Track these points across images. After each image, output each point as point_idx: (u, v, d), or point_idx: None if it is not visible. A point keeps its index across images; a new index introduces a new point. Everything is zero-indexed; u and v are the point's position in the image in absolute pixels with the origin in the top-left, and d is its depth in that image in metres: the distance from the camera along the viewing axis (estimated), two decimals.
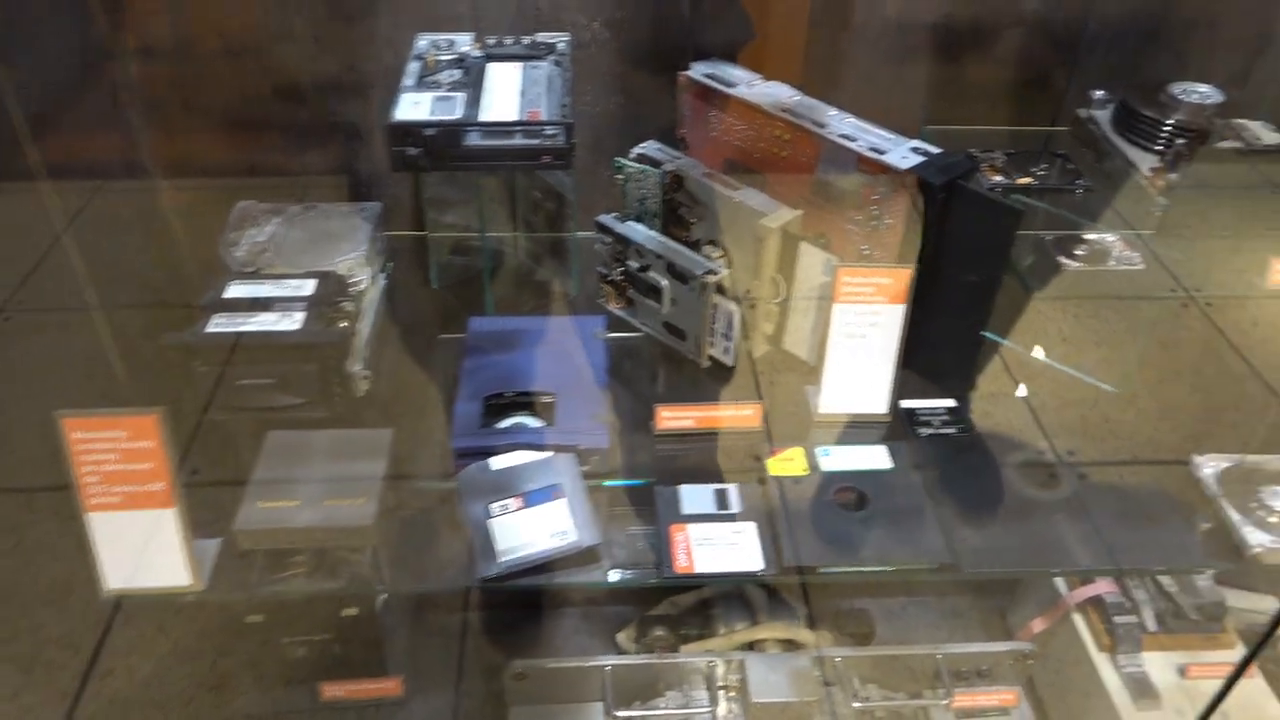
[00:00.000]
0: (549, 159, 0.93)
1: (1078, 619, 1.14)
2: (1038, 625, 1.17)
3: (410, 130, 0.91)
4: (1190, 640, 1.09)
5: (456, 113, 0.94)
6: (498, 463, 0.89)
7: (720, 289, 1.00)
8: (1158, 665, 1.08)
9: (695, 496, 0.91)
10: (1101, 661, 1.09)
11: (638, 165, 1.07)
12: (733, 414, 0.97)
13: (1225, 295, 1.08)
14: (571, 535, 0.83)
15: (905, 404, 1.02)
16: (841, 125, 0.99)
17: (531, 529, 0.84)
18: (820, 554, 0.86)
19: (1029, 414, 1.04)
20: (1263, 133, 0.92)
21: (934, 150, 0.95)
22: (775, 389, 1.03)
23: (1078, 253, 1.02)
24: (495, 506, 0.85)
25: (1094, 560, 0.89)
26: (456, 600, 1.21)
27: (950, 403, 1.02)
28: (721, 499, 0.91)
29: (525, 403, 0.98)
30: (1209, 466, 0.93)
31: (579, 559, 0.83)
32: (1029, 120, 1.19)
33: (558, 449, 0.91)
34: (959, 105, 1.17)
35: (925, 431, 0.99)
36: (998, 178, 1.03)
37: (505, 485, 0.87)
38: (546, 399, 0.98)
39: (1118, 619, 1.08)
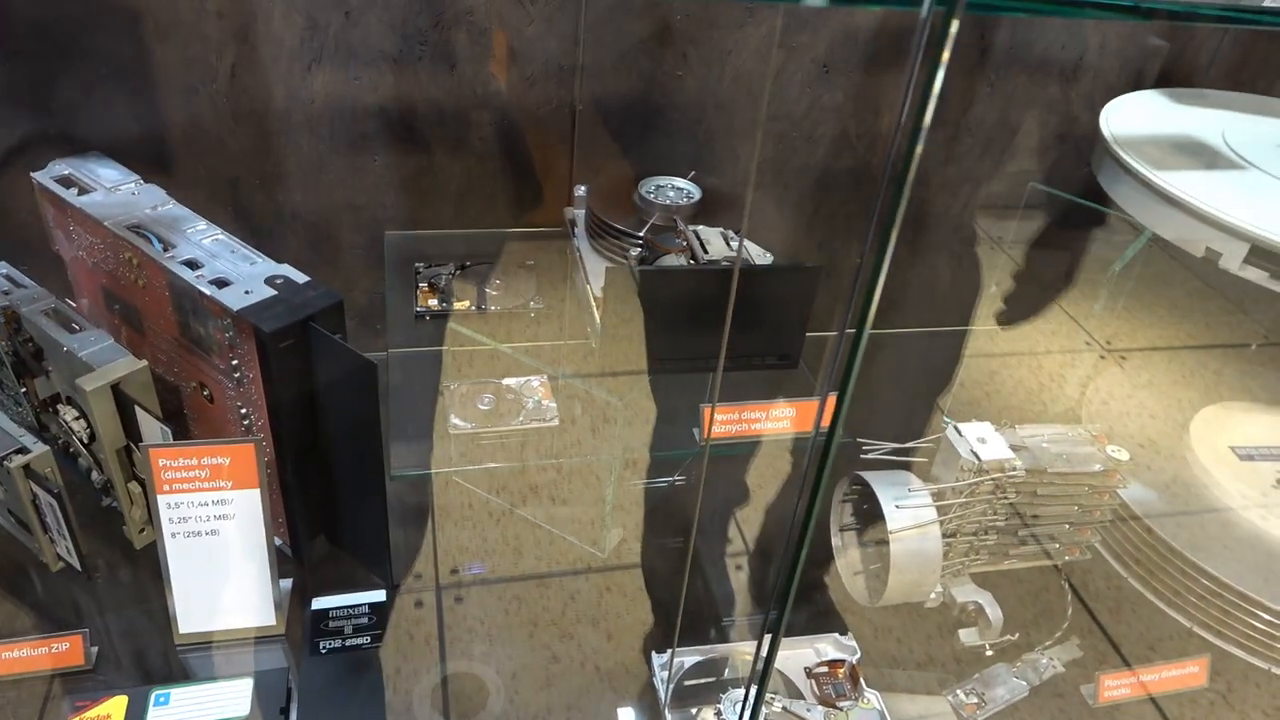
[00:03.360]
0: None
1: None
2: None
3: None
4: None
5: None
6: None
7: (33, 472, 0.73)
8: None
9: None
10: None
11: None
12: (32, 653, 0.70)
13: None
14: None
15: (319, 603, 0.78)
16: (195, 247, 0.75)
17: None
18: None
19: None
20: (714, 242, 0.76)
21: (300, 280, 0.72)
22: (145, 601, 0.77)
23: (482, 404, 0.80)
24: None
25: None
26: None
27: (377, 597, 0.79)
28: None
29: None
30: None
31: None
32: (544, 220, 0.99)
33: None
34: (442, 204, 0.96)
35: (330, 645, 0.75)
36: (433, 301, 0.83)
37: None
38: None
39: None
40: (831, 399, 0.74)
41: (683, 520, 0.90)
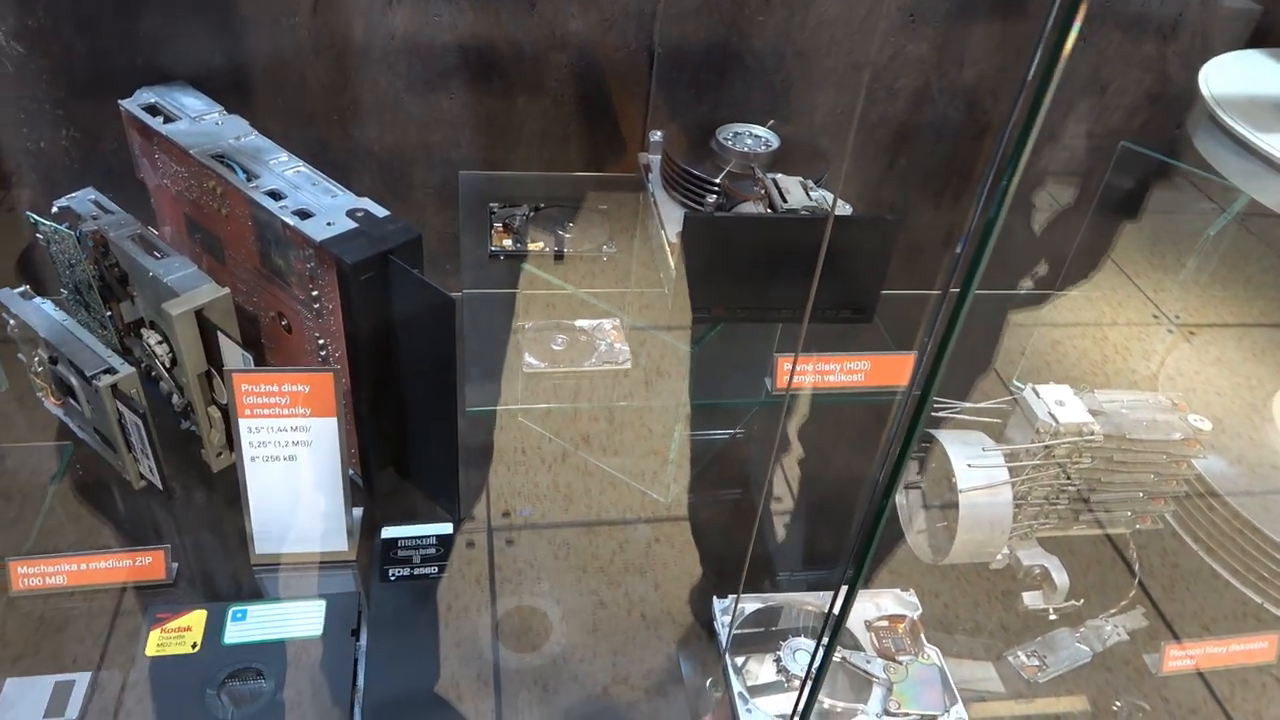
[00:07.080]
0: None
1: None
2: None
3: None
4: None
5: None
6: None
7: (120, 392, 0.75)
8: None
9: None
10: None
11: (52, 224, 0.82)
12: (116, 565, 0.73)
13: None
14: None
15: (389, 532, 0.80)
16: (278, 178, 0.76)
17: None
18: None
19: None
20: (793, 191, 0.75)
21: (380, 213, 0.73)
22: (221, 522, 0.80)
23: (555, 344, 0.80)
24: None
25: None
26: None
27: (444, 529, 0.80)
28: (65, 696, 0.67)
29: None
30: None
31: None
32: (618, 164, 0.98)
33: None
34: (516, 145, 0.96)
35: (398, 573, 0.77)
36: (507, 241, 0.83)
37: None
38: None
39: None
40: (910, 357, 0.74)
41: (738, 472, 0.90)
